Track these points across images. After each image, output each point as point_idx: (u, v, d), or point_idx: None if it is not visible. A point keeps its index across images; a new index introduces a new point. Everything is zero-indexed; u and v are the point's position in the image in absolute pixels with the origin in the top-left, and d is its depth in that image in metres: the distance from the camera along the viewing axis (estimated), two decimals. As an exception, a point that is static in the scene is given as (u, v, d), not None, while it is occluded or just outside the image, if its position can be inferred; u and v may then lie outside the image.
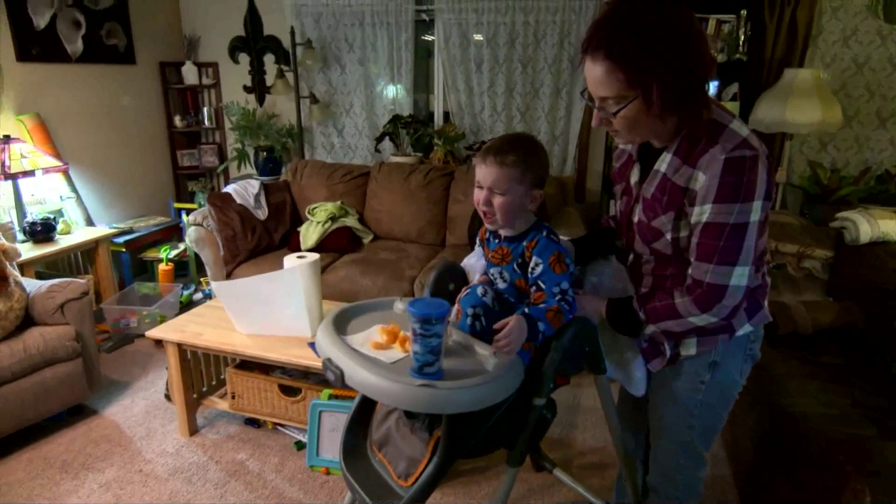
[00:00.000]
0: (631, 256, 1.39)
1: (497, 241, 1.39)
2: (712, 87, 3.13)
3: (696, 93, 1.09)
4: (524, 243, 1.33)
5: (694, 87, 1.08)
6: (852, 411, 1.73)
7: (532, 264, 1.30)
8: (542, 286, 1.29)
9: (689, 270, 1.17)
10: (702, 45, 1.08)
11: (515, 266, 1.34)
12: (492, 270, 1.39)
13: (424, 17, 3.81)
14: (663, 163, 1.20)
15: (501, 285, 1.38)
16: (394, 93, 3.99)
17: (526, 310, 1.25)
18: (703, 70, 1.08)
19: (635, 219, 1.29)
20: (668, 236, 1.21)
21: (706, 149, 1.11)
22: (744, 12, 3.11)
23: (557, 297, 1.27)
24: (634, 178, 1.31)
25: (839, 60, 3.19)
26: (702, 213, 1.12)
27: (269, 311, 2.17)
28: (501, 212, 1.31)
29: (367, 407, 1.51)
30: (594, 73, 1.10)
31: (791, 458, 1.66)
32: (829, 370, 2.00)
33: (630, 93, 1.08)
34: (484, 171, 1.31)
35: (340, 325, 1.39)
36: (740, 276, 1.11)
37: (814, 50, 3.20)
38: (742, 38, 3.14)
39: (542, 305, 1.27)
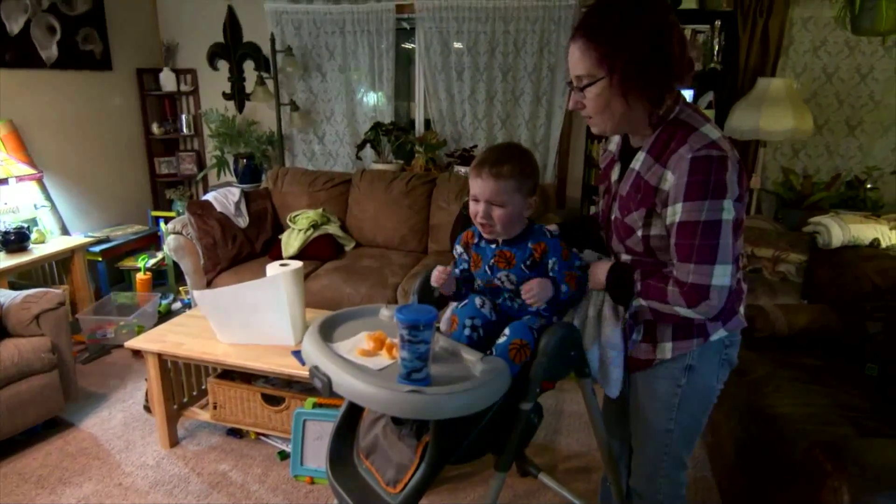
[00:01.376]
0: (612, 257, 1.41)
1: (495, 245, 1.40)
2: (688, 95, 3.19)
3: (659, 81, 1.14)
4: (530, 244, 1.34)
5: (658, 74, 1.14)
6: (830, 411, 1.78)
7: (550, 265, 1.34)
8: (558, 275, 1.34)
9: (673, 272, 1.19)
10: (674, 40, 1.14)
11: (524, 266, 1.35)
12: (499, 274, 1.39)
13: (405, 25, 3.83)
14: (637, 161, 1.25)
15: (508, 286, 1.39)
16: (375, 100, 4.00)
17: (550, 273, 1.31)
18: (670, 61, 1.14)
19: (612, 216, 1.33)
20: (639, 233, 1.24)
21: (675, 149, 1.15)
22: (718, 23, 3.19)
23: (568, 269, 1.33)
24: (614, 176, 1.35)
25: (810, 70, 3.29)
26: (674, 213, 1.15)
27: (251, 319, 2.15)
28: (501, 223, 1.33)
29: (353, 415, 1.50)
30: (573, 53, 1.17)
31: (771, 458, 1.69)
32: (807, 372, 2.04)
33: (599, 71, 1.14)
34: (480, 185, 1.31)
35: (327, 333, 1.39)
36: (722, 275, 1.13)
37: (785, 60, 3.29)
38: (717, 47, 3.22)
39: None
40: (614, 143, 1.39)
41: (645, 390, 1.40)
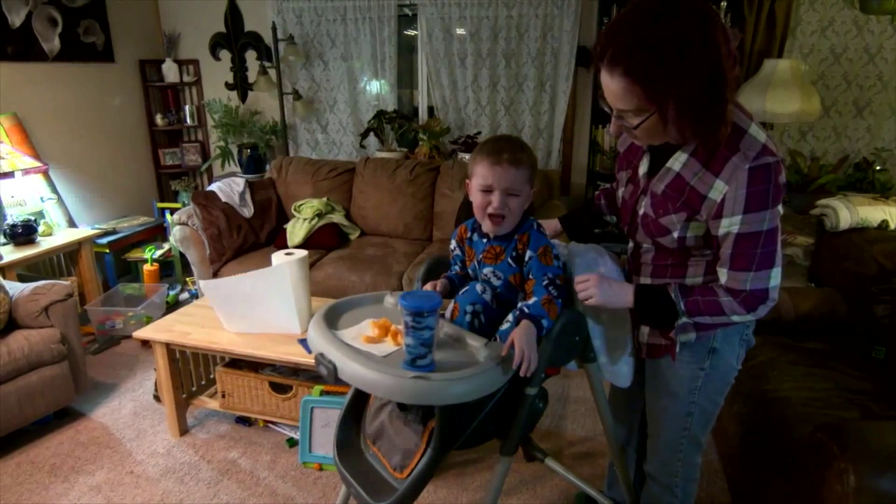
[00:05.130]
0: (630, 245, 1.39)
1: (486, 240, 1.40)
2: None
3: (713, 109, 1.05)
4: (515, 237, 1.34)
5: (711, 103, 1.04)
6: (835, 395, 1.78)
7: (526, 258, 1.33)
8: (532, 276, 1.31)
9: (723, 279, 1.16)
10: (720, 59, 1.02)
11: (510, 261, 1.35)
12: (485, 270, 1.39)
13: (407, 11, 3.80)
14: (677, 161, 1.19)
15: (496, 282, 1.39)
16: (377, 88, 3.98)
17: (526, 309, 1.26)
18: (720, 85, 1.03)
19: (641, 211, 1.28)
20: (675, 234, 1.21)
21: (727, 156, 1.09)
22: (724, 4, 3.15)
23: (545, 283, 1.29)
24: (643, 169, 1.29)
25: (817, 51, 3.24)
26: (731, 224, 1.11)
27: (257, 308, 2.16)
28: (515, 213, 1.32)
29: (359, 401, 1.52)
30: (611, 86, 1.07)
31: (776, 442, 1.69)
32: (813, 355, 2.04)
33: (648, 107, 1.07)
34: (499, 173, 1.28)
35: (332, 321, 1.39)
36: (776, 276, 1.14)
37: (792, 41, 3.25)
38: (722, 29, 3.17)
39: (534, 298, 1.28)
40: None
41: (665, 375, 1.38)
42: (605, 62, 1.06)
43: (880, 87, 3.19)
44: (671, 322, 1.25)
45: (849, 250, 2.40)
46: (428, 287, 1.44)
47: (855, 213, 2.48)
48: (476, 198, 1.33)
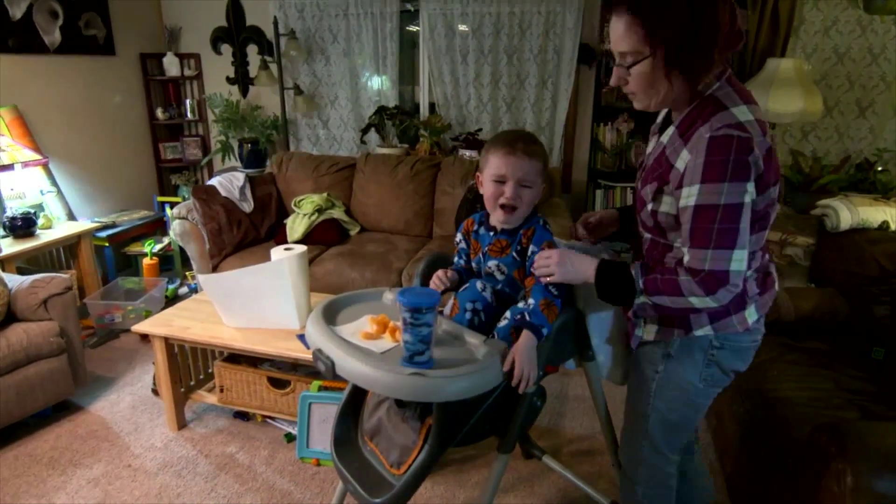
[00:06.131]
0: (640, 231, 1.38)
1: (493, 233, 1.39)
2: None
3: (702, 57, 1.08)
4: (521, 231, 1.34)
5: (701, 51, 1.07)
6: (835, 395, 1.77)
7: (529, 252, 1.33)
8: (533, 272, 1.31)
9: (685, 259, 1.13)
10: (720, 12, 1.06)
11: (515, 254, 1.35)
12: (490, 263, 1.39)
13: (409, 7, 3.79)
14: (667, 135, 1.20)
15: (500, 277, 1.39)
16: (379, 84, 3.97)
17: (527, 316, 1.26)
18: (714, 36, 1.07)
19: (637, 187, 1.30)
20: (649, 207, 1.21)
21: (698, 127, 1.10)
22: (727, 2, 3.13)
23: (544, 283, 1.29)
24: (649, 148, 1.30)
25: (820, 51, 3.23)
26: (689, 195, 1.09)
27: (257, 303, 2.16)
28: (526, 205, 1.33)
29: (357, 397, 1.52)
30: (616, 28, 1.11)
31: (776, 442, 1.69)
32: (813, 356, 2.04)
33: (645, 48, 1.09)
34: (514, 163, 1.29)
35: (330, 316, 1.39)
36: (739, 261, 1.08)
37: (795, 40, 3.24)
38: (725, 28, 3.16)
39: (531, 301, 1.28)
40: (662, 116, 1.32)
41: (633, 370, 1.41)
42: (614, 4, 1.10)
43: (883, 87, 3.18)
44: (631, 300, 1.20)
45: (849, 251, 2.39)
46: (439, 275, 1.43)
47: (856, 213, 2.47)
48: (488, 188, 1.34)
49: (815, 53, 3.24)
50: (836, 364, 1.97)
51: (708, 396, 1.33)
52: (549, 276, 1.27)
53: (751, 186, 1.06)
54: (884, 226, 2.45)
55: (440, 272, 1.44)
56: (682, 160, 1.12)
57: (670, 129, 1.19)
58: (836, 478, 1.28)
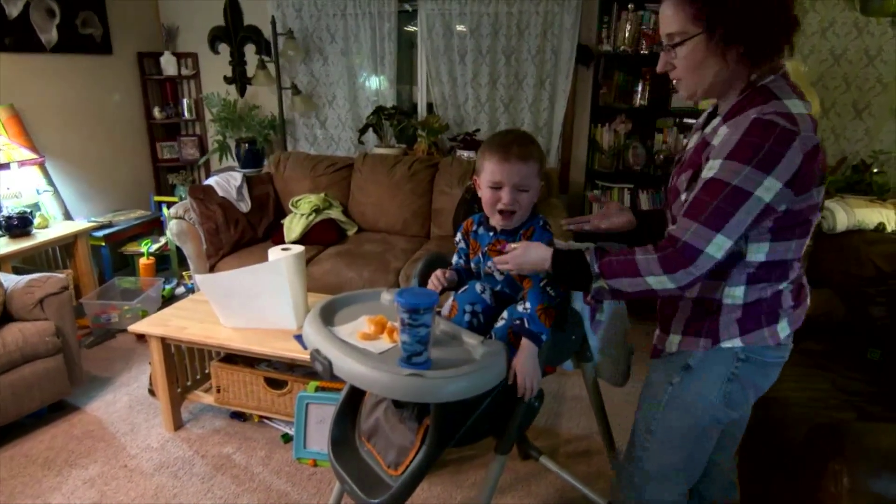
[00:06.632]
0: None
1: (493, 233, 1.39)
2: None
3: (766, 35, 1.03)
4: (521, 231, 1.34)
5: (767, 27, 1.02)
6: (832, 396, 1.78)
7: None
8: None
9: (670, 227, 1.09)
10: None
11: None
12: (489, 263, 1.39)
13: (407, 7, 3.79)
14: (711, 126, 1.15)
15: (499, 277, 1.39)
16: (377, 84, 3.97)
17: (526, 323, 1.26)
18: (779, 13, 1.02)
19: (671, 181, 1.24)
20: (682, 197, 1.14)
21: (745, 109, 1.05)
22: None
23: (543, 283, 1.29)
24: (690, 144, 1.24)
25: (817, 52, 3.24)
26: (711, 167, 1.04)
27: (254, 303, 2.15)
28: (525, 208, 1.32)
29: (354, 398, 1.51)
30: (664, 10, 1.08)
31: (773, 442, 1.69)
32: (810, 357, 2.04)
33: (694, 28, 1.04)
34: (508, 169, 1.28)
35: (327, 317, 1.39)
36: (717, 247, 1.01)
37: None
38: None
39: (528, 306, 1.28)
40: (705, 114, 1.26)
41: (646, 379, 1.34)
42: None
43: (880, 89, 3.18)
44: (588, 286, 1.16)
45: (846, 252, 2.40)
46: (437, 275, 1.43)
47: (852, 215, 2.48)
48: (486, 194, 1.33)
49: (812, 55, 3.25)
50: (834, 365, 1.98)
51: (720, 420, 1.23)
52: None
53: (770, 182, 0.99)
54: (880, 227, 2.46)
55: (438, 272, 1.44)
56: (719, 136, 1.06)
57: (716, 121, 1.13)
58: (833, 478, 1.29)
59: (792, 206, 1.04)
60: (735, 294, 1.13)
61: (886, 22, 3.03)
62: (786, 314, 1.16)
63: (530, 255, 1.22)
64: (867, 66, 3.18)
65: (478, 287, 1.37)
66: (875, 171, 3.08)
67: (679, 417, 1.24)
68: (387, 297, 1.47)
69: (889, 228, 2.45)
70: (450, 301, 1.46)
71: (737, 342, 1.15)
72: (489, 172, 1.31)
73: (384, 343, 1.28)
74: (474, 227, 1.45)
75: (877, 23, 3.08)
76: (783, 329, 1.16)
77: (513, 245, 1.26)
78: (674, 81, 1.14)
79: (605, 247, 1.18)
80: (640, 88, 3.44)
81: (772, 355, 1.18)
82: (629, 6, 3.27)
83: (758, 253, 1.10)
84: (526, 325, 1.25)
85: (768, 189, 0.99)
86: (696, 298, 1.18)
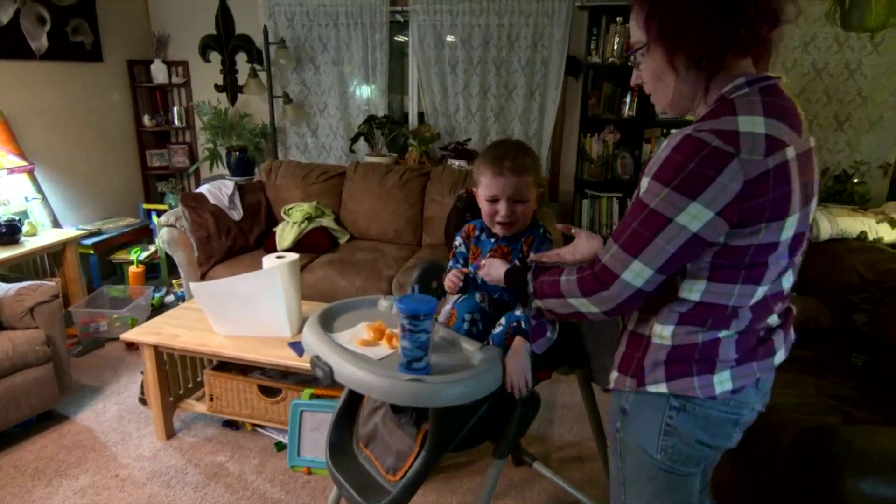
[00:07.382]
0: None
1: (494, 240, 1.42)
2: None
3: (707, 34, 0.91)
4: (522, 239, 1.37)
5: (705, 26, 0.91)
6: (819, 401, 1.82)
7: (528, 261, 1.35)
8: None
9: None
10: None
11: (517, 262, 1.37)
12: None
13: (399, 18, 3.82)
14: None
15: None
16: (368, 93, 3.99)
17: (523, 324, 1.29)
18: (726, 7, 0.90)
19: None
20: None
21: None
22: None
23: None
24: None
25: (799, 65, 3.32)
26: (641, 187, 0.95)
27: (248, 311, 2.15)
28: (523, 218, 1.35)
29: (353, 403, 1.52)
30: (631, 23, 1.01)
31: (761, 446, 1.72)
32: (797, 362, 2.08)
33: (644, 35, 0.97)
34: (503, 183, 1.31)
35: (326, 324, 1.40)
36: (635, 274, 0.92)
37: (775, 55, 3.31)
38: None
39: (525, 311, 1.31)
40: None
41: None
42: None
43: (860, 101, 3.27)
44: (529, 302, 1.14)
45: (830, 260, 2.45)
46: (455, 273, 1.44)
47: (835, 224, 2.54)
48: (484, 206, 1.37)
49: (795, 68, 3.33)
50: (821, 370, 2.02)
51: (675, 481, 1.07)
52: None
53: (696, 208, 0.87)
54: (862, 236, 2.52)
55: (455, 271, 1.44)
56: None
57: None
58: (822, 481, 1.32)
59: (731, 242, 0.91)
60: (663, 334, 1.01)
61: (866, 37, 3.12)
62: (726, 366, 1.00)
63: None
64: (847, 80, 3.27)
65: (477, 297, 1.40)
66: (856, 181, 3.16)
67: (633, 472, 1.11)
68: (384, 303, 1.49)
69: (871, 237, 2.52)
70: (447, 308, 1.47)
71: (662, 387, 1.02)
72: (485, 186, 1.35)
73: (383, 349, 1.30)
74: (476, 233, 1.48)
75: (857, 38, 3.17)
76: (721, 382, 1.00)
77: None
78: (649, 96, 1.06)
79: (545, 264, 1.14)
80: (628, 99, 3.51)
81: (714, 408, 1.01)
82: (617, 19, 3.34)
83: (692, 292, 0.98)
84: (522, 325, 1.28)
85: (694, 217, 0.87)
86: (631, 332, 1.09)
